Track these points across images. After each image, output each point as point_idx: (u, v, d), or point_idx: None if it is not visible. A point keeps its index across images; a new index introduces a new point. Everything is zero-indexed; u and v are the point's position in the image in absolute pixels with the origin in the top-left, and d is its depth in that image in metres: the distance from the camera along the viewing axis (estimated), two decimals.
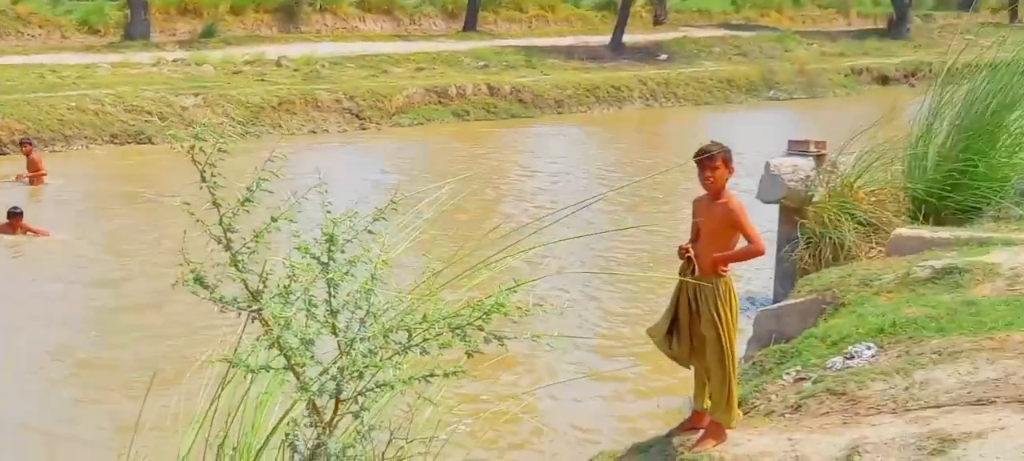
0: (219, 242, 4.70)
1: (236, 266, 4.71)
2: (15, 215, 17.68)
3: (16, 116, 25.94)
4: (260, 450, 5.09)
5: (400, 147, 28.14)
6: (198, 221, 4.69)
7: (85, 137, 26.71)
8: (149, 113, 27.90)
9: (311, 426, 4.79)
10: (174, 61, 33.31)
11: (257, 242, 4.73)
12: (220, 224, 4.69)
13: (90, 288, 15.30)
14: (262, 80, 32.01)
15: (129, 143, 26.95)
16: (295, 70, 33.75)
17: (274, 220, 4.78)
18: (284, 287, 4.67)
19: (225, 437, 5.11)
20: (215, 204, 4.68)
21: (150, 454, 4.75)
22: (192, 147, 4.67)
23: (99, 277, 15.75)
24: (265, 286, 4.74)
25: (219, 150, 4.71)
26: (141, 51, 34.87)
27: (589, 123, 33.89)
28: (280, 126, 29.41)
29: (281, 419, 5.15)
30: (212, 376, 5.22)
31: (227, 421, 5.22)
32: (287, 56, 34.80)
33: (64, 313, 14.17)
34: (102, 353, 12.69)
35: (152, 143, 26.87)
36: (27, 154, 22.36)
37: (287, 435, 4.84)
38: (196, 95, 29.30)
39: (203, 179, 4.66)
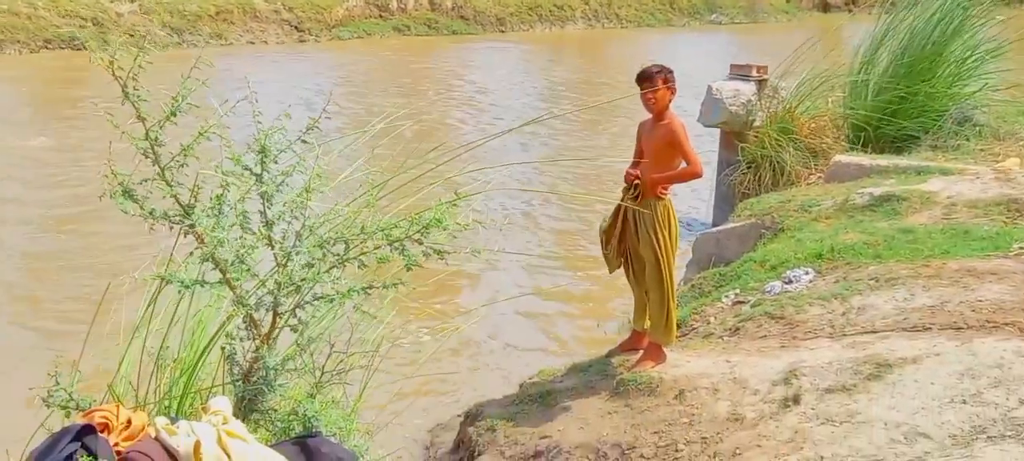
0: (146, 156, 4.57)
1: (165, 180, 4.59)
2: None
3: None
4: (198, 362, 5.01)
5: (340, 60, 27.85)
6: (124, 133, 4.55)
7: (18, 42, 26.16)
8: (83, 18, 27.34)
9: (250, 340, 4.72)
10: None
11: (186, 155, 4.60)
12: (146, 137, 4.55)
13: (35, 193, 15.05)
14: None
15: (63, 49, 26.43)
16: None
17: (202, 133, 4.64)
18: (217, 197, 4.56)
19: (163, 348, 5.01)
20: (140, 118, 4.54)
21: (90, 367, 4.64)
22: (111, 62, 4.51)
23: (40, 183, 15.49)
24: (197, 200, 4.62)
25: (141, 63, 4.55)
26: None
27: (531, 42, 33.72)
28: (219, 36, 29.00)
29: (217, 332, 5.07)
30: (152, 289, 5.10)
31: (164, 333, 5.12)
32: None
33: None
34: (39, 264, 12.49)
35: (86, 49, 26.34)
36: None
37: (223, 349, 4.77)
38: (132, 1, 28.74)
39: (125, 94, 4.51)
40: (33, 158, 17.06)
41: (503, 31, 34.64)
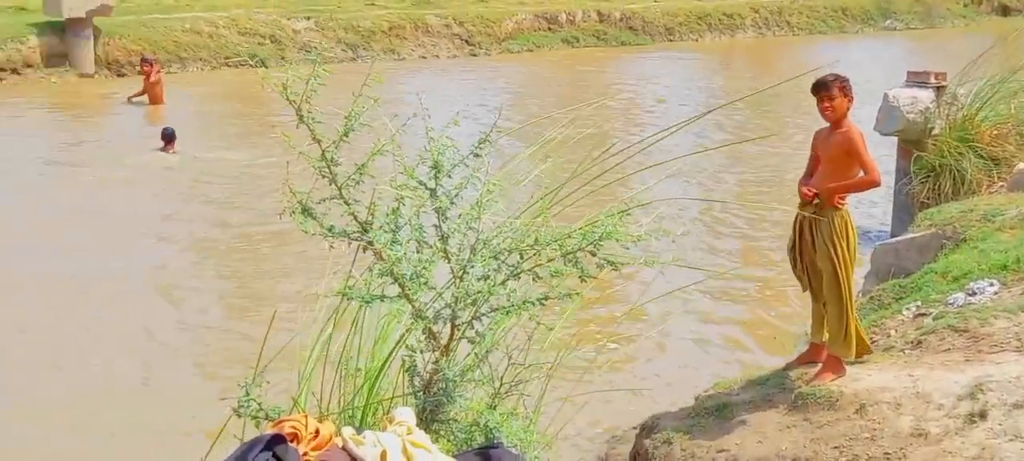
0: (322, 175, 4.69)
1: (343, 198, 4.70)
2: (169, 138, 18.36)
3: (132, 38, 26.32)
4: (379, 373, 5.12)
5: (510, 73, 28.08)
6: (300, 154, 4.68)
7: (200, 60, 27.05)
8: (262, 36, 28.12)
9: (429, 351, 4.80)
10: None
11: (361, 173, 4.71)
12: (322, 158, 4.67)
13: (212, 211, 15.58)
14: (372, 4, 32.02)
15: (243, 66, 27.23)
16: None
17: (376, 151, 4.74)
18: (393, 211, 4.66)
19: (345, 360, 5.14)
20: (316, 140, 4.67)
21: (276, 378, 4.79)
22: (284, 87, 4.64)
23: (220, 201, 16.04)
24: (373, 216, 4.73)
25: (314, 86, 4.67)
26: None
27: (701, 51, 33.45)
28: (392, 51, 29.49)
29: (397, 343, 5.17)
30: (329, 305, 5.24)
31: (345, 345, 5.26)
32: None
33: (180, 234, 14.45)
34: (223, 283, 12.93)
35: (265, 66, 27.09)
36: (146, 75, 22.70)
37: (404, 361, 4.86)
38: (308, 18, 29.42)
39: (300, 118, 4.64)
40: (218, 173, 17.64)
41: (672, 40, 34.43)
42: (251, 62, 26.55)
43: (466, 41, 31.31)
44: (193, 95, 23.92)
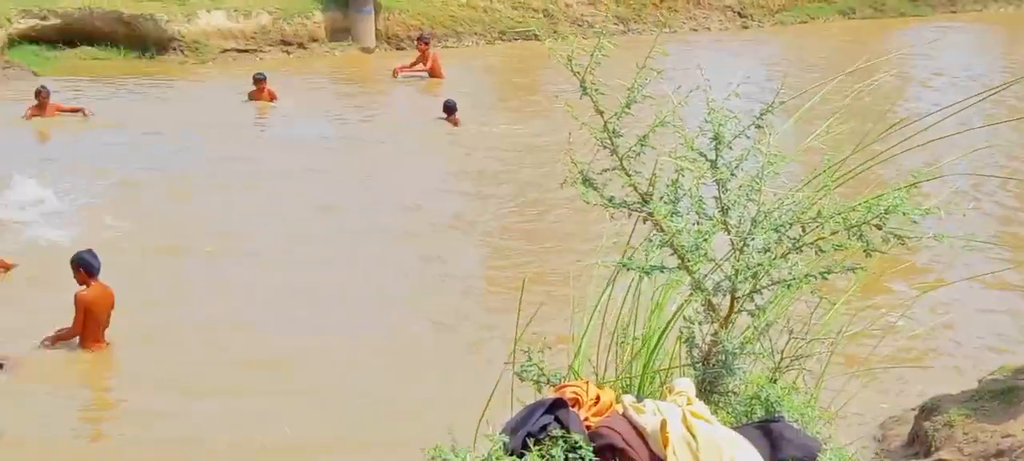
0: (604, 146, 4.73)
1: (624, 169, 4.73)
2: (451, 109, 19.25)
3: (412, 12, 27.11)
4: (657, 343, 5.15)
5: (784, 45, 27.57)
6: (582, 125, 4.74)
7: (475, 34, 27.62)
8: (535, 9, 28.46)
9: (707, 323, 4.80)
10: None
11: (642, 145, 4.73)
12: (604, 129, 4.71)
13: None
14: None
15: (516, 40, 27.67)
16: None
17: (659, 122, 4.75)
18: (673, 184, 4.67)
19: (620, 328, 5.19)
20: (598, 111, 4.71)
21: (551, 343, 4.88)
22: (569, 59, 4.70)
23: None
24: (654, 188, 4.75)
25: (597, 56, 4.71)
26: None
27: (984, 21, 31.97)
28: (663, 24, 29.37)
29: (675, 313, 5.19)
30: (610, 272, 5.28)
31: (620, 313, 5.31)
32: None
33: (464, 201, 14.90)
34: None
35: (537, 40, 27.36)
36: (422, 51, 23.37)
37: (682, 332, 4.87)
38: None
39: (583, 89, 4.69)
40: (497, 143, 18.08)
41: (954, 12, 32.95)
42: (531, 34, 27.00)
43: (738, 13, 30.90)
44: (470, 68, 24.46)
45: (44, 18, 24.51)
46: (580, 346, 5.21)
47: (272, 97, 20.82)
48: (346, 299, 11.64)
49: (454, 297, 11.77)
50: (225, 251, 12.96)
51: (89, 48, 24.60)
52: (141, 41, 24.81)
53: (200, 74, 23.79)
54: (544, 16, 28.37)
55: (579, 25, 28.06)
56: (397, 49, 26.24)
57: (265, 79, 20.82)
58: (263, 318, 11.13)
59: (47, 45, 24.45)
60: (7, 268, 11.93)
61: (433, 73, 23.11)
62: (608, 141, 4.70)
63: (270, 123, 19.95)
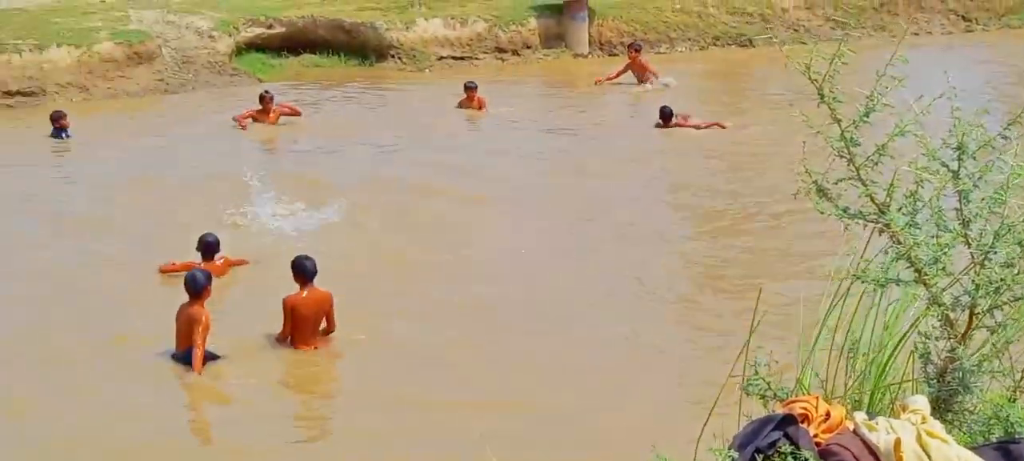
0: (841, 155, 4.61)
1: (861, 179, 4.60)
2: (667, 116, 19.25)
3: (624, 19, 27.13)
4: (889, 358, 5.00)
5: (1011, 50, 26.51)
6: (817, 132, 4.63)
7: (688, 39, 27.44)
8: (750, 14, 28.11)
9: (943, 338, 4.63)
10: None
11: (880, 155, 4.59)
12: (841, 138, 4.59)
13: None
14: None
15: (729, 45, 27.39)
16: None
17: (900, 132, 4.60)
18: (911, 194, 4.52)
19: (850, 343, 5.06)
20: (835, 120, 4.59)
21: (779, 357, 4.78)
22: (807, 67, 4.59)
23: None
24: (891, 199, 4.60)
25: (836, 64, 4.59)
26: None
27: None
28: (881, 28, 28.62)
29: (908, 329, 5.03)
30: (839, 285, 5.16)
31: (849, 327, 5.17)
32: None
33: (682, 205, 14.82)
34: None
35: (752, 46, 27.13)
36: (632, 58, 23.35)
37: (917, 347, 4.71)
38: None
39: (821, 97, 4.58)
40: (717, 148, 17.98)
41: None
42: (746, 40, 26.68)
43: (962, 17, 29.86)
44: (683, 73, 24.30)
45: (270, 26, 25.46)
46: (808, 360, 5.10)
47: (481, 105, 21.08)
48: (563, 308, 11.70)
49: (667, 307, 11.69)
50: (449, 261, 13.15)
51: (311, 56, 25.41)
52: (361, 48, 25.55)
53: (417, 81, 24.27)
54: (760, 20, 27.98)
55: (796, 30, 27.65)
56: (610, 55, 26.32)
57: (475, 87, 21.10)
58: (478, 330, 11.23)
59: (271, 53, 25.34)
60: (232, 266, 12.39)
61: (642, 79, 23.06)
62: (845, 150, 4.58)
63: (483, 131, 20.20)
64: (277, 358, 10.56)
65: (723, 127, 19.23)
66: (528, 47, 26.35)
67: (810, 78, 4.54)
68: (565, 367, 10.33)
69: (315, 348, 10.63)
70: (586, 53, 26.32)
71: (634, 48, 23.80)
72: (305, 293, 10.61)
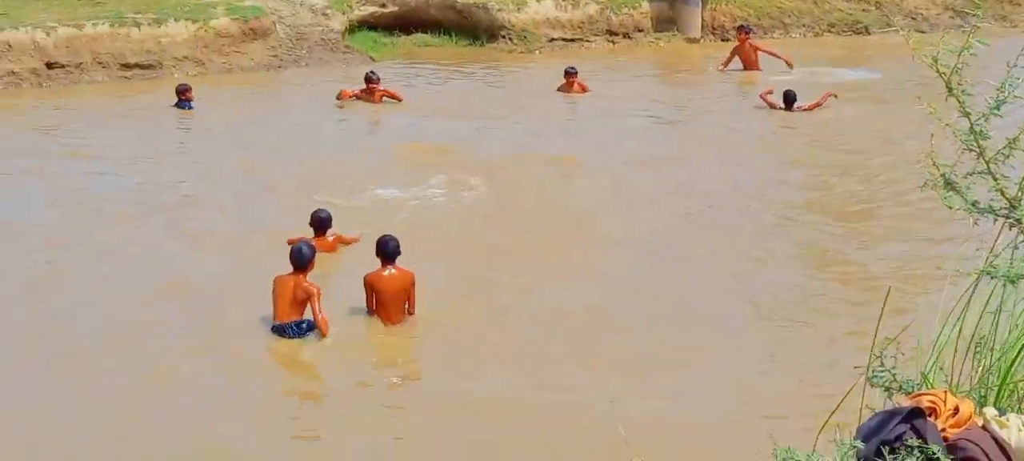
0: (970, 149, 4.52)
1: (991, 173, 4.52)
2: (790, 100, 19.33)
3: (738, 3, 26.92)
4: (1018, 354, 4.91)
5: None
6: (946, 125, 4.55)
7: (803, 25, 27.13)
8: (867, 1, 27.69)
9: None
10: None
11: (1012, 148, 4.50)
12: (971, 132, 4.50)
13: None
14: None
15: (846, 33, 27.02)
16: None
17: None
18: None
19: (979, 336, 4.98)
20: (964, 114, 4.51)
21: (906, 348, 4.72)
22: (934, 60, 4.51)
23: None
24: (1023, 193, 4.51)
25: (965, 56, 4.50)
26: None
27: None
28: (1002, 18, 28.01)
29: None
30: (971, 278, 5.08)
31: (978, 321, 5.09)
32: None
33: (789, 194, 14.71)
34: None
35: (868, 34, 26.77)
36: (741, 41, 23.12)
37: None
38: None
39: (949, 90, 4.49)
40: (832, 136, 17.83)
41: None
42: (862, 27, 26.29)
43: None
44: (798, 59, 24.07)
45: (383, 5, 25.67)
46: (935, 354, 5.03)
47: (583, 89, 21.02)
48: (681, 293, 11.69)
49: (788, 295, 11.58)
50: (574, 243, 13.16)
51: (422, 35, 25.58)
52: (472, 29, 25.65)
53: (528, 62, 24.32)
54: (875, 8, 27.56)
55: (913, 18, 27.22)
56: (722, 40, 26.15)
57: (576, 72, 21.05)
58: (598, 313, 11.23)
59: (383, 31, 25.56)
60: (343, 243, 12.55)
61: (748, 65, 22.84)
62: (974, 144, 4.50)
63: (584, 114, 20.16)
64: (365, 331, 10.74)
65: (835, 96, 19.43)
66: (640, 30, 26.26)
67: (937, 71, 4.47)
68: (675, 358, 10.30)
69: (397, 323, 10.78)
70: (699, 37, 26.16)
71: (743, 30, 23.58)
72: (386, 272, 10.77)
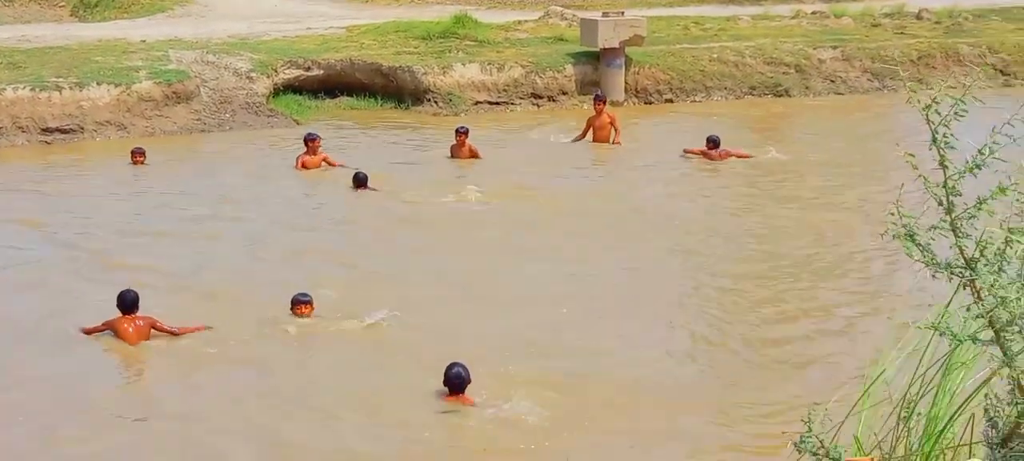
0: (940, 203, 4.50)
1: (954, 230, 4.49)
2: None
3: (661, 66, 27.11)
4: (950, 420, 4.89)
5: None
6: (920, 176, 4.54)
7: (724, 88, 27.38)
8: (787, 65, 28.05)
9: (1010, 405, 4.52)
10: (813, 13, 32.75)
11: (979, 208, 4.48)
12: (944, 186, 4.49)
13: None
14: (902, 33, 31.06)
15: (766, 96, 27.34)
16: (936, 22, 32.10)
17: (1002, 190, 4.48)
18: (998, 252, 4.40)
19: (906, 399, 4.96)
20: (942, 166, 4.50)
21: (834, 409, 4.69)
22: (927, 106, 4.53)
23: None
24: (982, 255, 4.49)
25: (957, 113, 4.52)
26: (781, 3, 34.46)
27: None
28: (919, 81, 28.41)
29: (975, 391, 4.91)
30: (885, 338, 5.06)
31: (909, 383, 5.07)
32: (929, 8, 33.06)
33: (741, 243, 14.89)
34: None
35: (788, 96, 27.13)
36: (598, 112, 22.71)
37: (987, 410, 4.59)
38: (834, 48, 28.96)
39: (934, 140, 4.50)
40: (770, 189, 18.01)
41: None
42: (782, 90, 26.58)
43: (1000, 71, 29.65)
44: (718, 123, 24.32)
45: (308, 69, 25.62)
46: (861, 416, 4.99)
47: (473, 154, 20.66)
48: (600, 340, 11.69)
49: (716, 351, 11.57)
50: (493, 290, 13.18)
51: (348, 98, 25.55)
52: (398, 92, 25.64)
53: (452, 124, 24.30)
54: (795, 71, 27.93)
55: (832, 81, 27.67)
56: (646, 103, 26.32)
57: (466, 132, 20.74)
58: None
59: (308, 94, 25.48)
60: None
61: (599, 138, 22.62)
62: (945, 199, 4.48)
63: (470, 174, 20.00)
64: None
65: (747, 156, 20.34)
66: (564, 93, 26.36)
67: (928, 119, 4.48)
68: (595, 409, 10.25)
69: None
70: (622, 100, 26.26)
71: (600, 100, 22.95)
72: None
